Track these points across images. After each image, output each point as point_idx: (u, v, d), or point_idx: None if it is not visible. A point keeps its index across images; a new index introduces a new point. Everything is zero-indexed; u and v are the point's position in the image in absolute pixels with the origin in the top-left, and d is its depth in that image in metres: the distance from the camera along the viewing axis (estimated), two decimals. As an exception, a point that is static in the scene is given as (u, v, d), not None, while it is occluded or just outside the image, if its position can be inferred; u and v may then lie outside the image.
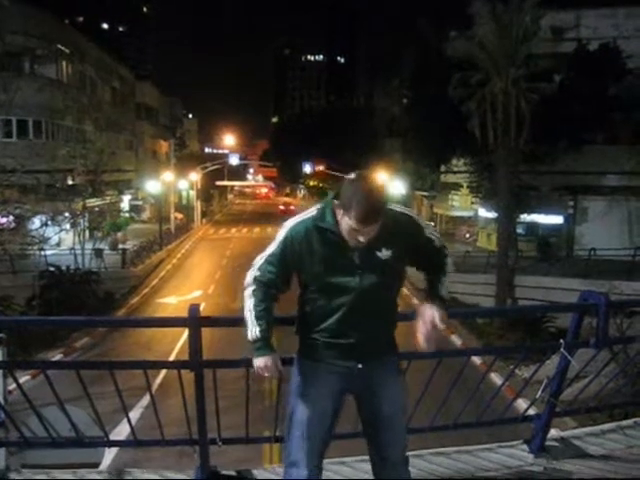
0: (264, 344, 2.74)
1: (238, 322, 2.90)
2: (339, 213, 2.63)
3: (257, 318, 2.75)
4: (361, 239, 2.62)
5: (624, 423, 4.48)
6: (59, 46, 35.92)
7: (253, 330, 2.75)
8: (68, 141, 33.22)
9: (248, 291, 2.81)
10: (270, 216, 66.76)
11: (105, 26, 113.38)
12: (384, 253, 2.70)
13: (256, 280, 2.79)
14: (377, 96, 51.10)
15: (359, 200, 2.54)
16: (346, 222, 2.62)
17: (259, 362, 2.72)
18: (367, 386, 2.82)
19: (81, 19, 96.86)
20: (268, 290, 2.78)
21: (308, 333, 2.80)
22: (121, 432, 7.15)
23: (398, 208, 2.80)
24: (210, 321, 3.48)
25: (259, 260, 2.82)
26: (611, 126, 27.71)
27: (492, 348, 11.45)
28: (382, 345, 2.84)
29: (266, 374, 2.73)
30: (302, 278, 2.80)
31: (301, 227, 2.74)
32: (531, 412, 4.20)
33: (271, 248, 2.79)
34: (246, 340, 2.76)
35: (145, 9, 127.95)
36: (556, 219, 32.47)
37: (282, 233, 2.78)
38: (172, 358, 16.31)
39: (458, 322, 20.10)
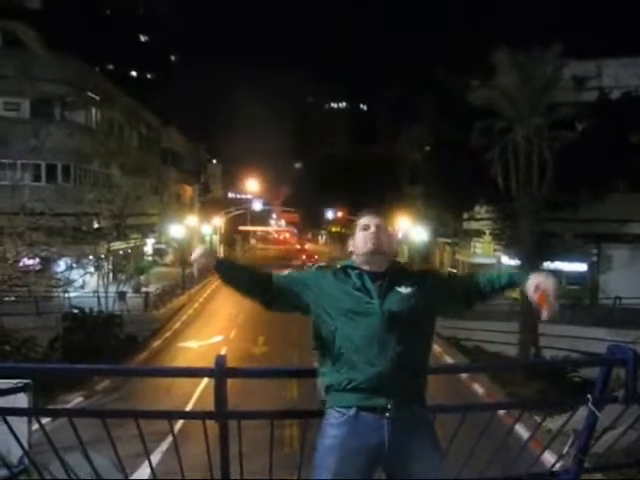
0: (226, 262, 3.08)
1: (264, 374, 2.91)
2: (352, 242, 2.99)
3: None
4: (371, 230, 2.91)
5: (655, 480, 4.36)
6: (89, 93, 36.89)
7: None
8: (95, 185, 33.87)
9: None
10: (293, 262, 66.77)
11: (134, 74, 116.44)
12: (405, 290, 2.81)
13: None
14: (399, 143, 51.51)
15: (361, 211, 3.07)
16: (357, 236, 2.96)
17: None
18: (399, 457, 2.72)
19: (111, 67, 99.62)
20: (271, 286, 2.94)
21: (332, 376, 2.75)
22: (140, 477, 7.10)
23: (414, 268, 3.15)
24: (237, 372, 3.48)
25: None
26: (634, 174, 27.58)
27: (518, 402, 11.23)
28: (412, 389, 2.77)
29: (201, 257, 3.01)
30: (321, 318, 2.82)
31: (327, 268, 2.97)
32: (558, 466, 4.11)
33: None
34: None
35: (173, 58, 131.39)
36: (580, 267, 32.11)
37: (308, 268, 3.03)
38: (193, 402, 16.24)
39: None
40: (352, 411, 2.70)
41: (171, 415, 3.75)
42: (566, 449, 3.83)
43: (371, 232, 2.92)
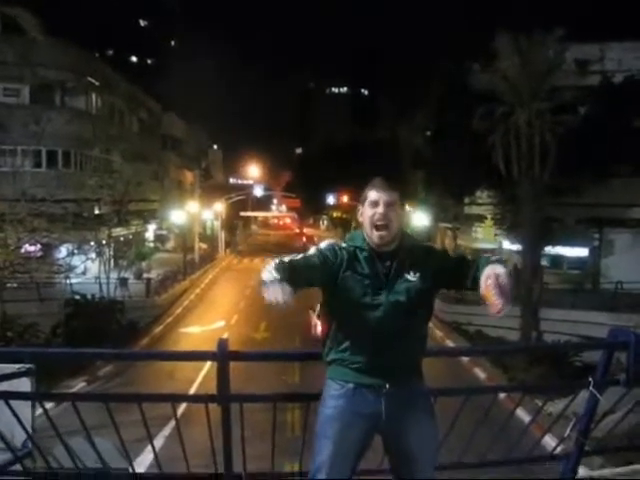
0: (279, 276, 2.51)
1: (266, 357, 2.92)
2: (361, 211, 2.89)
3: (275, 270, 2.53)
4: (380, 210, 2.79)
5: (655, 463, 4.38)
6: (89, 79, 36.72)
7: (267, 274, 2.52)
8: (96, 171, 33.77)
9: (266, 267, 2.59)
10: (294, 247, 66.88)
11: (134, 59, 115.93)
12: (412, 276, 2.79)
13: (281, 261, 2.61)
14: (400, 128, 51.32)
15: (371, 181, 2.91)
16: (366, 212, 2.85)
17: (269, 286, 2.49)
18: (395, 426, 2.79)
19: (111, 52, 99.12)
20: (290, 273, 2.56)
21: (336, 353, 2.81)
22: (143, 461, 7.14)
23: (421, 242, 3.00)
24: (238, 356, 3.49)
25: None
26: (636, 158, 27.48)
27: (520, 385, 11.26)
28: (410, 368, 2.85)
29: (279, 297, 2.48)
30: (329, 299, 2.84)
31: (334, 246, 2.88)
32: (559, 450, 4.13)
33: (305, 254, 2.84)
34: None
35: (173, 43, 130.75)
36: (581, 251, 32.10)
37: (314, 248, 2.89)
38: (195, 386, 16.33)
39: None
40: (351, 385, 2.79)
41: (174, 398, 3.77)
42: (567, 432, 3.85)
43: (380, 212, 2.81)
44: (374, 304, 2.75)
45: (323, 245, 2.89)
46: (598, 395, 3.58)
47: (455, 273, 2.82)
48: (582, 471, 4.09)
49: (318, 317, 2.92)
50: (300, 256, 2.80)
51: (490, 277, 2.55)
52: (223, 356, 3.24)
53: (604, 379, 3.68)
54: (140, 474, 4.03)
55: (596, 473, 4.23)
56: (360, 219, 2.91)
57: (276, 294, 2.47)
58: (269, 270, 2.56)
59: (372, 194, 2.86)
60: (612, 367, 3.82)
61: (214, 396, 3.35)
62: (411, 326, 2.80)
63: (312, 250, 2.85)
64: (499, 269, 2.58)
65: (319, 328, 2.84)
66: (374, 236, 2.81)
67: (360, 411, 2.76)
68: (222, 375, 3.25)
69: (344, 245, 2.88)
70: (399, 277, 2.79)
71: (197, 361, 3.80)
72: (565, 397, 5.26)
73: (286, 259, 2.69)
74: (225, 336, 3.48)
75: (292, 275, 2.57)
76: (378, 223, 2.80)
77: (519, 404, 4.10)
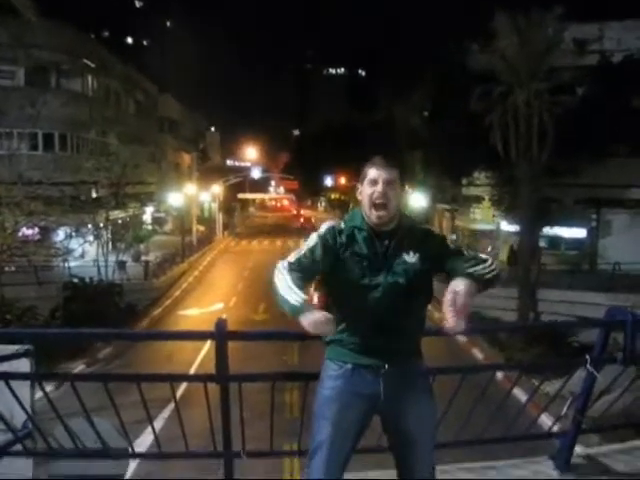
0: (308, 305, 2.60)
1: (265, 336, 2.92)
2: (360, 190, 2.87)
3: (299, 287, 2.63)
4: (379, 188, 2.77)
5: (652, 440, 4.41)
6: (84, 60, 36.44)
7: (296, 297, 2.59)
8: (92, 154, 33.65)
9: (279, 271, 2.71)
10: (292, 229, 66.90)
11: (130, 40, 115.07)
12: (411, 256, 2.77)
13: (290, 264, 2.73)
14: (398, 108, 51.10)
15: (371, 158, 2.90)
16: (365, 190, 2.83)
17: (308, 318, 2.53)
18: (394, 406, 2.79)
19: (106, 34, 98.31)
20: (302, 276, 2.71)
21: (335, 334, 2.77)
22: (143, 443, 7.17)
23: (420, 225, 2.95)
24: (237, 335, 3.50)
25: (292, 254, 2.82)
26: (635, 138, 27.41)
27: (517, 364, 11.32)
28: (409, 349, 2.84)
29: (321, 329, 2.54)
30: (328, 279, 2.83)
31: (333, 228, 2.85)
32: (555, 428, 4.17)
33: (307, 245, 2.83)
34: (288, 312, 2.62)
35: (168, 24, 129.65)
36: (579, 232, 32.12)
37: (316, 234, 2.86)
38: (194, 369, 16.39)
39: (479, 335, 19.95)
40: (349, 365, 2.78)
41: (173, 378, 3.78)
42: (564, 410, 3.88)
43: (379, 191, 2.79)
44: (372, 285, 2.74)
45: (323, 229, 2.86)
46: (595, 373, 3.60)
47: (449, 263, 2.79)
48: (579, 449, 4.12)
49: (315, 289, 2.91)
50: (304, 251, 2.80)
51: (450, 292, 2.55)
52: (221, 335, 3.25)
53: (601, 357, 3.70)
54: (140, 453, 4.06)
55: (593, 450, 4.27)
56: (359, 197, 2.89)
57: (321, 328, 2.53)
58: (290, 287, 2.63)
59: (371, 172, 2.83)
60: (609, 347, 3.84)
61: (213, 375, 3.37)
62: (410, 307, 2.79)
63: (313, 238, 2.83)
64: (460, 286, 2.54)
65: (316, 300, 2.84)
66: (373, 215, 2.79)
67: (359, 392, 2.76)
68: (220, 354, 3.26)
69: (343, 225, 2.86)
70: (397, 257, 2.77)
71: (196, 340, 3.81)
72: (562, 377, 5.30)
73: (293, 261, 2.75)
74: (224, 317, 3.48)
75: (306, 277, 2.73)
76: (377, 202, 2.78)
77: (516, 383, 4.13)
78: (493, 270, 2.72)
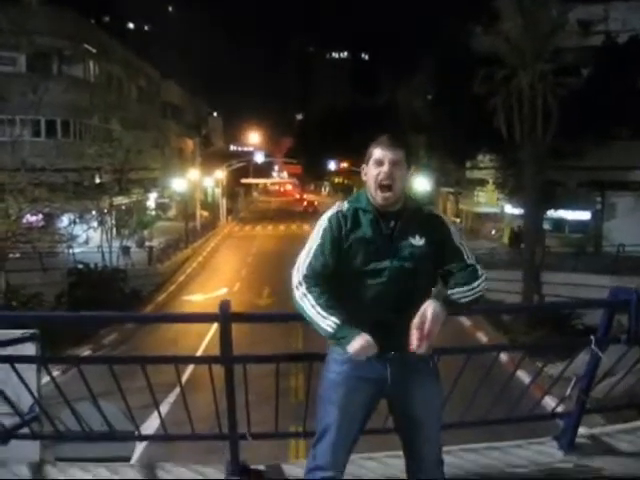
0: (346, 328, 2.62)
1: (268, 318, 2.91)
2: (365, 170, 2.81)
3: (327, 308, 2.65)
4: (385, 169, 2.71)
5: (656, 420, 4.43)
6: (86, 46, 36.30)
7: (328, 322, 2.63)
8: (95, 140, 33.58)
9: (300, 292, 2.72)
10: (295, 213, 66.91)
11: (131, 26, 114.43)
12: (417, 240, 2.73)
13: (306, 278, 2.72)
14: (401, 92, 50.86)
15: (377, 138, 2.82)
16: (370, 171, 2.77)
17: (354, 346, 2.59)
18: (400, 390, 2.77)
19: (107, 19, 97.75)
20: (322, 284, 2.71)
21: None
22: (149, 427, 7.22)
23: (429, 209, 2.89)
24: (241, 317, 3.51)
25: (303, 258, 2.77)
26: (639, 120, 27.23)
27: (522, 345, 11.33)
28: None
29: (368, 353, 2.61)
30: (340, 261, 2.76)
31: (337, 214, 2.79)
32: (559, 410, 4.17)
33: (314, 242, 2.78)
34: (326, 338, 2.68)
35: (170, 9, 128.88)
36: (583, 215, 32.05)
37: (321, 224, 2.80)
38: (199, 353, 16.45)
39: (484, 319, 19.98)
40: (355, 365, 2.73)
41: (178, 360, 3.80)
42: (569, 390, 3.89)
43: (384, 171, 2.73)
44: (378, 269, 2.69)
45: (328, 218, 2.79)
46: (600, 353, 3.60)
47: (446, 258, 2.78)
48: (582, 430, 4.14)
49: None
50: (314, 251, 2.75)
51: (418, 317, 2.59)
52: (225, 317, 3.24)
53: (605, 337, 3.69)
54: (145, 436, 4.09)
55: (597, 431, 4.28)
56: (364, 178, 2.83)
57: (365, 351, 2.59)
58: (319, 313, 2.64)
59: (377, 152, 2.77)
60: (613, 330, 3.84)
61: (217, 357, 3.38)
62: (416, 290, 2.74)
63: (320, 232, 2.77)
64: (429, 313, 2.58)
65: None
66: (378, 197, 2.74)
67: (365, 376, 2.73)
68: (225, 336, 3.26)
69: (346, 206, 2.80)
70: (404, 239, 2.73)
71: (200, 323, 3.87)
72: (565, 360, 5.35)
73: (307, 273, 2.71)
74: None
75: (326, 281, 2.71)
76: (383, 183, 2.72)
77: (520, 364, 4.14)
78: (476, 294, 2.73)
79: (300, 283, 2.72)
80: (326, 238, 2.75)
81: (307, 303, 2.68)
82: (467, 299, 2.72)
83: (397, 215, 2.76)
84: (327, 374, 2.82)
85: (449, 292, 2.71)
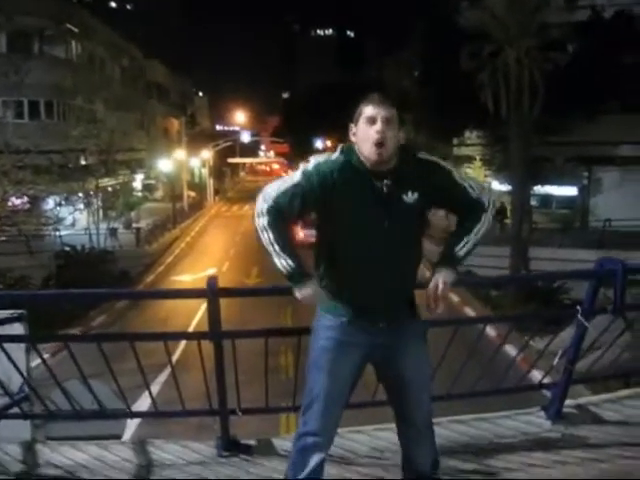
0: (299, 273, 2.63)
1: (255, 293, 2.92)
2: (354, 130, 2.64)
3: (282, 249, 2.61)
4: (378, 128, 2.54)
5: (641, 390, 4.49)
6: (68, 26, 35.80)
7: (283, 262, 2.62)
8: (79, 121, 33.22)
9: (261, 222, 2.63)
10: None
11: (113, 4, 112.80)
12: (410, 197, 2.62)
13: (270, 211, 2.62)
14: (387, 68, 50.67)
15: (366, 96, 2.65)
16: (361, 130, 2.60)
17: (302, 293, 2.64)
18: (391, 353, 2.77)
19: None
20: (284, 221, 2.64)
21: (329, 284, 2.70)
22: (140, 407, 7.26)
23: (429, 157, 2.74)
24: (228, 292, 3.51)
25: (272, 189, 2.65)
26: (626, 95, 27.26)
27: (509, 316, 11.43)
28: (405, 297, 2.77)
29: (315, 302, 2.68)
30: (321, 221, 2.70)
31: (325, 164, 2.63)
32: (546, 381, 4.23)
33: (291, 180, 2.64)
34: (279, 272, 2.66)
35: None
36: (570, 190, 32.19)
37: (307, 167, 2.64)
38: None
39: (471, 295, 20.12)
40: (344, 319, 2.71)
41: (167, 337, 3.80)
42: (556, 360, 3.93)
43: (377, 129, 2.56)
44: (369, 233, 2.61)
45: (311, 166, 2.62)
46: (586, 323, 3.64)
47: (450, 199, 2.74)
48: (569, 400, 4.19)
49: (301, 228, 2.86)
50: (285, 188, 2.62)
51: (434, 284, 2.66)
52: (213, 292, 3.23)
53: (592, 308, 3.73)
54: (136, 412, 4.10)
55: (583, 400, 4.34)
56: (353, 139, 2.66)
57: (312, 301, 2.66)
58: (277, 252, 2.61)
59: (368, 110, 2.59)
60: (600, 302, 3.87)
61: (206, 333, 3.38)
62: (407, 252, 2.70)
63: (297, 177, 2.62)
64: (442, 279, 2.66)
65: (301, 234, 2.83)
66: (372, 155, 2.57)
67: (354, 342, 2.71)
68: (213, 312, 3.26)
69: (339, 158, 2.64)
70: (395, 198, 2.60)
71: (188, 298, 3.87)
72: (554, 334, 5.44)
73: (273, 203, 2.60)
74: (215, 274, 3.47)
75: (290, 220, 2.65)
76: (376, 142, 2.55)
77: (507, 336, 4.18)
78: (479, 233, 2.73)
79: (262, 213, 2.63)
80: (305, 183, 2.60)
81: (266, 237, 2.62)
82: (475, 246, 2.75)
83: (389, 173, 2.62)
84: (316, 340, 2.78)
85: (457, 254, 2.71)
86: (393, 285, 2.68)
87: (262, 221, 2.63)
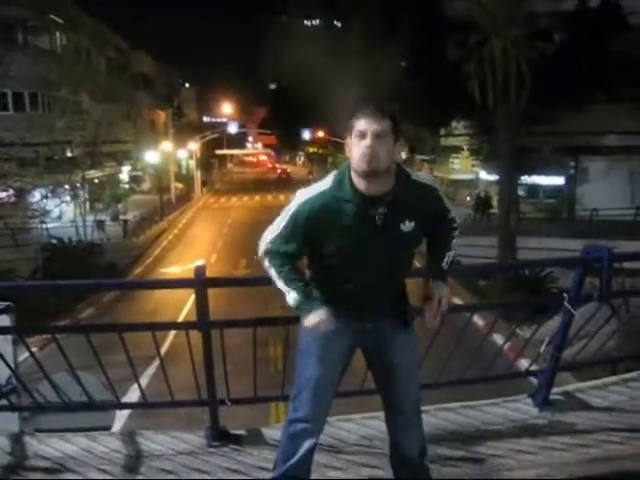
0: (308, 301, 2.66)
1: (243, 282, 2.91)
2: (349, 145, 2.54)
3: (288, 281, 2.66)
4: (367, 143, 2.45)
5: (627, 376, 4.54)
6: (52, 16, 35.40)
7: (290, 293, 2.66)
8: (65, 113, 32.91)
9: (264, 263, 2.73)
10: (270, 183, 66.55)
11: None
12: (407, 225, 2.58)
13: (268, 252, 2.68)
14: (375, 59, 50.51)
15: (359, 105, 2.60)
16: (353, 146, 2.50)
17: (309, 321, 2.65)
18: (379, 339, 2.81)
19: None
20: (281, 260, 2.67)
21: (319, 289, 2.70)
22: (129, 399, 7.27)
23: (421, 179, 2.67)
24: (216, 282, 3.50)
25: (269, 232, 2.68)
26: (612, 85, 27.37)
27: (496, 304, 11.49)
28: (395, 304, 2.82)
29: (322, 329, 2.66)
30: (316, 248, 2.66)
31: (316, 200, 2.56)
32: (533, 368, 4.26)
33: (281, 222, 2.63)
34: (290, 307, 2.72)
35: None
36: (557, 180, 32.34)
37: (294, 206, 2.60)
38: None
39: (460, 285, 20.20)
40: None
41: (155, 327, 3.79)
42: (543, 347, 3.96)
43: (366, 145, 2.46)
44: (363, 259, 2.60)
45: (300, 203, 2.58)
46: (572, 310, 3.67)
47: (440, 227, 2.81)
48: (556, 388, 4.23)
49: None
50: (278, 230, 2.63)
51: (436, 299, 2.74)
52: (201, 282, 3.23)
53: (578, 295, 3.76)
54: (125, 404, 4.10)
55: (570, 387, 4.38)
56: (348, 155, 2.56)
57: (319, 327, 2.65)
58: (283, 287, 2.67)
59: (359, 124, 2.49)
60: (586, 290, 3.90)
61: (194, 323, 3.38)
62: (400, 272, 2.79)
63: (286, 219, 2.61)
64: (443, 293, 2.75)
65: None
66: (359, 166, 2.48)
67: (343, 328, 2.73)
68: (201, 302, 3.26)
69: (324, 189, 2.58)
70: (392, 228, 2.56)
71: (176, 288, 3.85)
72: (540, 323, 5.48)
73: (269, 247, 2.66)
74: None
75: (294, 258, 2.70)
76: (365, 158, 2.46)
77: (495, 324, 4.20)
78: (454, 248, 2.87)
79: (263, 255, 2.73)
80: (293, 223, 2.59)
81: (272, 273, 2.71)
82: (450, 259, 2.85)
83: (385, 200, 2.55)
84: (306, 328, 2.77)
85: (444, 267, 2.81)
86: (383, 297, 2.77)
87: (265, 262, 2.73)
